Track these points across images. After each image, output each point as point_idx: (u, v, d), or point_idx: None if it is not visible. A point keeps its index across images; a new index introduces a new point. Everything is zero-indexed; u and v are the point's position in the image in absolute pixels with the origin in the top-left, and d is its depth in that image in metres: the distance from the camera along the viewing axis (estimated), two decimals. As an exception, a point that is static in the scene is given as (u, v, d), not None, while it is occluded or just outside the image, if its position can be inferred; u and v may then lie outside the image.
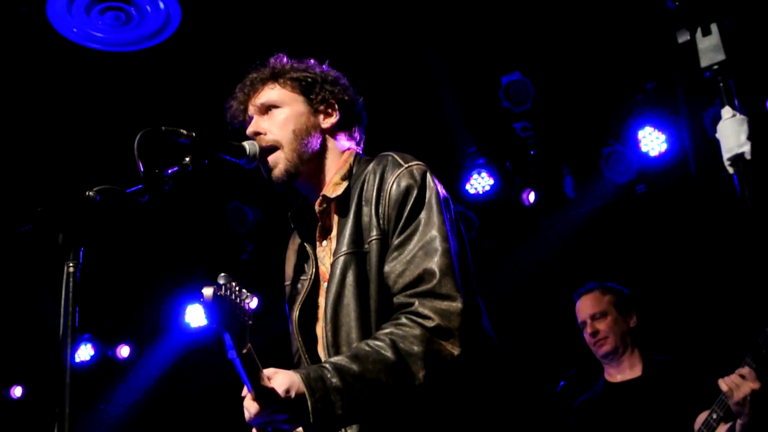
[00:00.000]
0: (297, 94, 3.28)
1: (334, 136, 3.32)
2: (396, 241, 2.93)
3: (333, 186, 3.19)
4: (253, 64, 3.41)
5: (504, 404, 2.99)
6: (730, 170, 1.85)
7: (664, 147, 6.99)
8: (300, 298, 3.20)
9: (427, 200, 2.96)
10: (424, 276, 2.82)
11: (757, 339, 4.56)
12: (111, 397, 9.23)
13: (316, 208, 3.21)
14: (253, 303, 2.60)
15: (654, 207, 7.29)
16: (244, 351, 2.52)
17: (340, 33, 6.49)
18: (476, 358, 2.88)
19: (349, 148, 3.33)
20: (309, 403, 2.60)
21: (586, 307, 5.57)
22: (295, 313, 3.20)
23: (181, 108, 6.80)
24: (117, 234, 7.56)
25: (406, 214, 2.94)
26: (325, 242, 3.22)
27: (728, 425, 4.66)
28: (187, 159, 3.09)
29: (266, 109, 3.28)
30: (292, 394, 2.60)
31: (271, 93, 3.29)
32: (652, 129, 7.02)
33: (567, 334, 7.47)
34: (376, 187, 3.05)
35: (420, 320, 2.75)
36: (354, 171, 3.22)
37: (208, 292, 2.42)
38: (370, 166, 3.15)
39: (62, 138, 7.40)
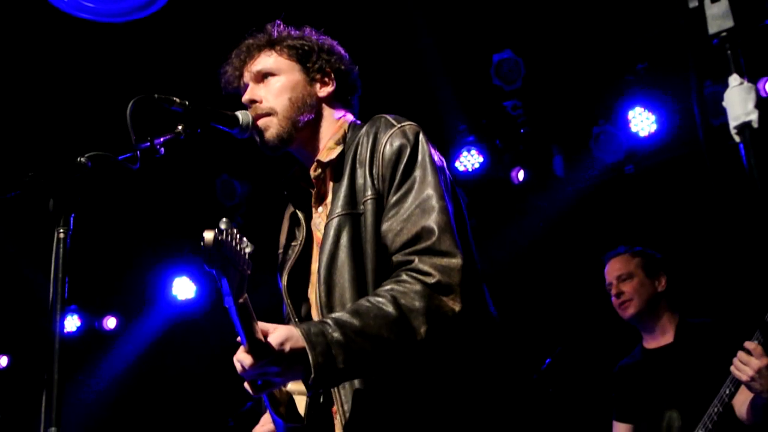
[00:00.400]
0: (293, 62, 3.26)
1: (330, 105, 3.30)
2: (392, 200, 2.92)
3: (327, 151, 3.18)
4: (249, 30, 3.38)
5: (501, 367, 2.98)
6: (737, 139, 1.84)
7: (653, 127, 7.00)
8: (290, 263, 3.19)
9: (420, 159, 2.95)
10: (423, 233, 2.81)
11: (764, 317, 4.44)
12: (97, 369, 9.23)
13: (311, 173, 3.20)
14: (249, 249, 2.55)
15: (643, 187, 7.31)
16: (241, 300, 2.49)
17: (334, 7, 6.45)
18: (477, 318, 2.88)
19: (344, 116, 3.32)
20: (310, 357, 2.58)
21: (613, 269, 5.47)
22: (285, 278, 3.19)
23: (172, 79, 6.78)
24: (105, 203, 7.54)
25: (400, 172, 2.93)
26: (321, 208, 3.20)
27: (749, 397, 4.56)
28: (180, 127, 3.06)
29: (262, 76, 3.25)
30: (287, 347, 2.58)
31: (268, 60, 3.26)
32: (642, 109, 7.03)
33: (554, 312, 7.51)
34: (369, 149, 3.04)
35: (421, 276, 2.74)
36: (348, 136, 3.20)
37: (208, 236, 2.38)
38: (364, 129, 3.14)
39: (54, 106, 7.37)
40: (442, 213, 2.84)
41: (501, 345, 3.01)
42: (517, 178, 7.72)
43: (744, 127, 1.84)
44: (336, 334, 2.63)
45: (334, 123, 3.27)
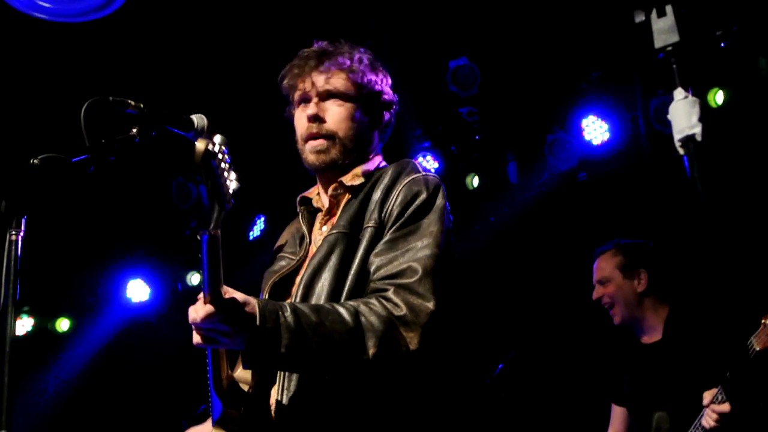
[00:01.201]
0: (359, 93, 3.25)
1: (377, 137, 3.35)
2: (390, 236, 2.96)
3: (352, 176, 3.21)
4: (329, 40, 3.39)
5: (447, 400, 3.02)
6: (681, 151, 1.89)
7: (606, 136, 7.07)
8: (281, 271, 3.20)
9: (433, 209, 2.98)
10: (407, 271, 2.84)
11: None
12: (49, 371, 9.14)
13: (330, 191, 3.24)
14: (234, 185, 2.50)
15: (594, 194, 7.39)
16: (213, 232, 2.46)
17: (287, 10, 6.46)
18: (434, 366, 2.91)
19: (380, 151, 3.37)
20: (257, 330, 2.59)
21: (596, 269, 5.43)
22: (270, 282, 3.18)
23: (128, 81, 6.74)
24: (60, 204, 7.48)
25: (408, 214, 2.97)
26: (325, 227, 3.23)
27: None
28: (134, 130, 3.06)
29: (328, 94, 3.24)
30: (244, 310, 2.59)
31: (343, 82, 3.24)
32: (596, 118, 7.09)
33: (506, 318, 7.56)
34: (388, 184, 3.08)
35: (389, 305, 2.77)
36: (374, 172, 3.24)
37: (201, 145, 2.36)
38: (392, 166, 3.19)
39: (7, 107, 7.29)
40: (431, 259, 2.87)
41: (448, 376, 3.05)
42: (472, 184, 7.77)
43: (688, 140, 1.88)
44: (290, 319, 2.64)
45: (369, 155, 3.30)
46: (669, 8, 1.90)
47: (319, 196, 3.35)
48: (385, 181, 3.10)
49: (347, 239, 3.01)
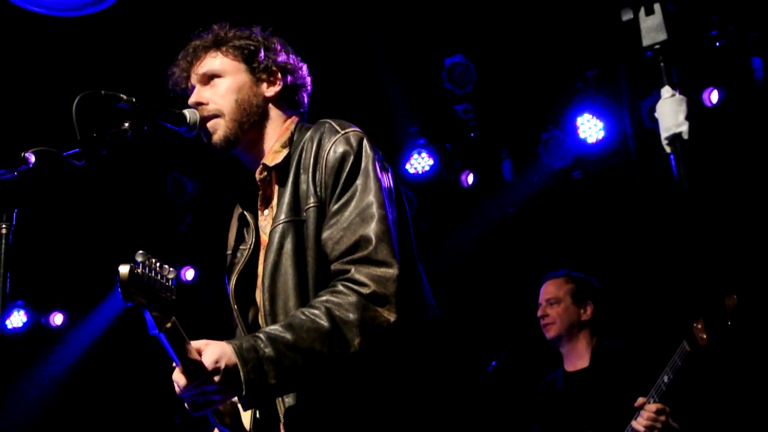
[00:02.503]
0: (240, 62, 3.23)
1: (277, 104, 3.28)
2: (333, 208, 2.92)
3: (273, 154, 3.17)
4: (195, 31, 3.36)
5: (441, 373, 2.99)
6: (668, 149, 1.89)
7: (601, 134, 7.08)
8: (238, 267, 3.18)
9: (363, 167, 2.95)
10: (361, 242, 2.81)
11: (656, 379, 4.93)
12: (43, 365, 9.13)
13: (257, 176, 3.18)
14: (172, 275, 2.48)
15: (589, 192, 7.39)
16: (168, 325, 2.48)
17: (286, 8, 6.45)
18: (414, 326, 2.89)
19: (292, 116, 3.30)
20: (241, 374, 2.58)
21: (545, 291, 5.74)
22: (232, 282, 3.18)
23: (123, 75, 6.73)
24: (55, 200, 7.48)
25: (342, 180, 2.93)
26: (266, 211, 3.19)
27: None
28: (126, 124, 3.06)
29: (208, 78, 3.23)
30: (222, 364, 2.57)
31: (213, 62, 3.23)
32: (591, 116, 7.10)
33: (501, 315, 7.56)
34: (313, 155, 3.03)
35: (356, 287, 2.74)
36: (294, 138, 3.19)
37: (124, 270, 2.38)
38: (308, 133, 3.13)
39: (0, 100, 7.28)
40: (380, 222, 2.84)
41: (440, 349, 3.02)
42: (467, 182, 7.77)
43: (675, 138, 1.88)
44: (268, 350, 2.63)
45: (280, 124, 3.25)
46: (657, 6, 1.90)
47: (249, 178, 3.29)
48: (309, 152, 3.05)
49: (294, 226, 2.98)
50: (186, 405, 2.67)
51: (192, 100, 3.22)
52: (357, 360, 2.73)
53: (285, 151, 3.15)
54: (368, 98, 7.45)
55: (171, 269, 2.54)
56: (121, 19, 6.50)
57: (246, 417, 3.00)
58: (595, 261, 7.24)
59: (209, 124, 3.18)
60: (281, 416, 2.93)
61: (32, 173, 2.79)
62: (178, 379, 2.57)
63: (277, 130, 3.24)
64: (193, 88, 3.27)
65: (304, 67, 3.40)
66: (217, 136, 3.17)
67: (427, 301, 3.06)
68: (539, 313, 5.68)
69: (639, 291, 6.94)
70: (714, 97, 6.48)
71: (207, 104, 3.19)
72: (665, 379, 4.87)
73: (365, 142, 3.02)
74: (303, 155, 3.08)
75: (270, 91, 3.25)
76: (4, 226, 2.72)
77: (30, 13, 6.04)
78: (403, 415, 2.84)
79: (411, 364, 2.90)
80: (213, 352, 2.59)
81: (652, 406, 4.88)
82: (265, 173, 3.17)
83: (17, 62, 6.98)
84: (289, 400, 2.92)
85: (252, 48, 3.25)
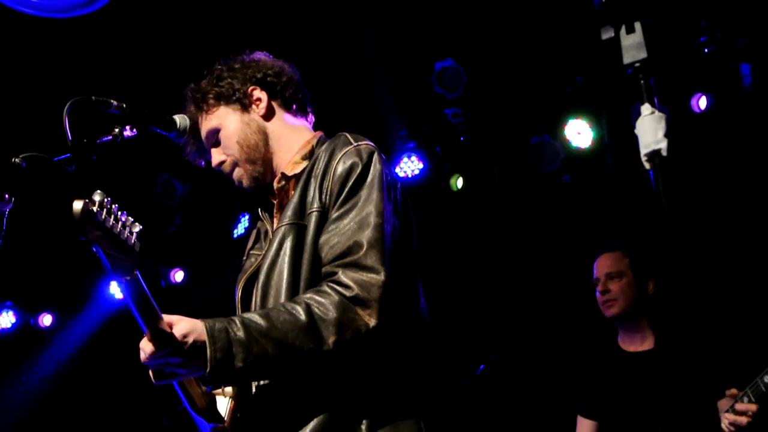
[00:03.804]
0: (222, 107, 3.30)
1: (272, 116, 3.33)
2: (334, 215, 2.95)
3: (293, 164, 3.23)
4: (176, 62, 3.42)
5: (426, 382, 3.00)
6: (647, 166, 1.93)
7: (590, 139, 7.11)
8: (248, 273, 3.22)
9: (369, 179, 2.98)
10: (353, 247, 2.84)
11: (756, 379, 4.42)
12: (32, 366, 9.13)
13: (275, 185, 3.26)
14: (136, 228, 2.47)
15: (578, 197, 7.43)
16: (128, 278, 2.48)
17: (274, 12, 6.47)
18: (401, 336, 2.91)
19: (300, 123, 3.37)
20: (208, 352, 2.61)
21: (603, 265, 5.32)
22: (240, 285, 3.22)
23: (113, 78, 6.73)
24: (43, 201, 7.47)
25: (347, 190, 2.97)
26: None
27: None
28: (117, 130, 3.10)
29: (212, 139, 3.33)
30: (190, 339, 2.61)
31: (207, 123, 3.33)
32: (580, 121, 7.13)
33: (488, 319, 7.60)
34: (324, 164, 3.07)
35: (340, 288, 2.77)
36: (315, 152, 3.24)
37: (77, 206, 2.35)
38: (325, 145, 3.18)
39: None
40: (375, 230, 2.87)
41: (427, 363, 3.03)
42: (456, 186, 7.79)
43: (654, 155, 1.92)
44: (240, 333, 2.66)
45: (292, 134, 3.32)
46: (638, 25, 1.94)
47: (271, 190, 3.35)
48: (322, 161, 3.10)
49: (295, 229, 3.02)
50: (150, 373, 2.70)
51: (213, 164, 3.35)
52: (330, 358, 2.75)
53: (305, 163, 3.21)
54: (358, 101, 7.47)
55: (136, 223, 2.54)
56: (112, 22, 6.50)
57: (222, 406, 3.02)
58: (583, 265, 7.28)
59: (234, 177, 3.30)
60: (251, 405, 2.97)
61: (23, 179, 2.81)
62: (144, 346, 2.61)
63: (290, 139, 3.31)
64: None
65: (280, 64, 3.42)
66: (246, 183, 3.29)
67: (421, 315, 3.08)
68: (600, 289, 5.23)
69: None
70: (702, 103, 6.52)
71: (224, 161, 3.30)
72: (766, 380, 4.37)
73: (376, 156, 3.05)
74: (316, 164, 3.12)
75: (260, 110, 3.31)
76: (-6, 230, 2.74)
77: (19, 14, 6.04)
78: (377, 419, 2.85)
79: (392, 371, 2.91)
80: (183, 326, 2.63)
81: (749, 406, 4.38)
82: (283, 182, 3.24)
83: (5, 65, 6.98)
84: (252, 390, 2.96)
85: (222, 87, 3.31)
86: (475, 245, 7.80)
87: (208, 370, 2.62)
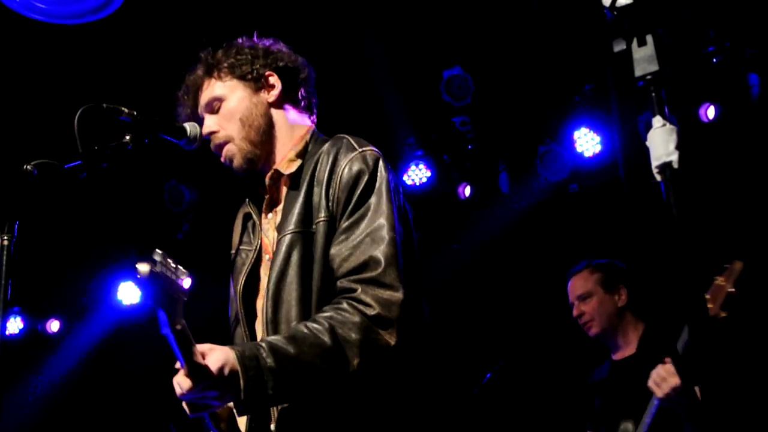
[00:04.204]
0: (233, 80, 3.27)
1: (281, 108, 3.31)
2: (344, 225, 2.94)
3: (287, 162, 3.20)
4: (187, 66, 3.38)
5: (434, 394, 3.02)
6: (658, 178, 1.93)
7: (598, 148, 7.10)
8: (245, 269, 3.21)
9: (377, 186, 2.97)
10: (370, 263, 2.84)
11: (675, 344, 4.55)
12: (39, 372, 9.13)
13: (267, 180, 3.22)
14: (188, 282, 2.53)
15: (586, 206, 7.42)
16: (178, 327, 2.50)
17: (283, 19, 6.48)
18: (412, 349, 2.90)
19: (301, 121, 3.34)
20: (241, 381, 2.61)
21: (573, 288, 5.42)
22: (240, 285, 3.20)
23: (123, 84, 6.75)
24: (53, 208, 7.48)
25: (355, 198, 2.95)
26: (270, 214, 3.23)
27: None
28: (127, 137, 3.11)
29: (212, 105, 3.27)
30: (226, 371, 2.60)
31: (211, 89, 3.28)
32: (588, 130, 7.12)
33: (496, 328, 7.59)
34: (328, 169, 3.05)
35: (361, 307, 2.77)
36: (309, 149, 3.22)
37: (143, 268, 2.38)
38: (326, 146, 3.15)
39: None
40: (390, 245, 2.87)
41: (433, 371, 3.04)
42: (464, 194, 7.79)
43: (665, 167, 1.92)
44: (269, 360, 2.66)
45: (290, 129, 3.29)
46: (649, 38, 1.95)
47: (259, 181, 3.31)
48: (324, 165, 3.07)
49: (302, 238, 3.01)
50: (184, 406, 2.68)
51: (204, 131, 3.27)
52: (354, 378, 2.76)
53: (299, 162, 3.19)
54: (367, 109, 7.48)
55: (184, 271, 2.55)
56: (123, 28, 6.52)
57: (242, 422, 3.03)
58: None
59: (224, 152, 3.24)
60: (273, 423, 2.96)
61: (34, 186, 2.82)
62: (182, 381, 2.58)
63: (288, 136, 3.28)
64: (203, 118, 3.31)
65: (300, 60, 3.42)
66: (237, 162, 3.22)
67: (426, 324, 3.08)
68: (575, 313, 5.35)
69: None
70: (711, 112, 6.52)
71: (217, 132, 3.24)
72: (680, 345, 4.50)
73: (381, 162, 3.04)
74: (318, 167, 3.10)
75: (270, 96, 3.29)
76: (5, 237, 2.75)
77: (28, 20, 6.06)
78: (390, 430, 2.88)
79: (404, 383, 2.93)
80: (218, 358, 2.61)
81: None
82: (276, 178, 3.22)
83: (17, 71, 7.00)
84: (282, 408, 2.94)
85: (240, 61, 3.28)
86: (482, 253, 7.79)
87: (242, 398, 2.62)
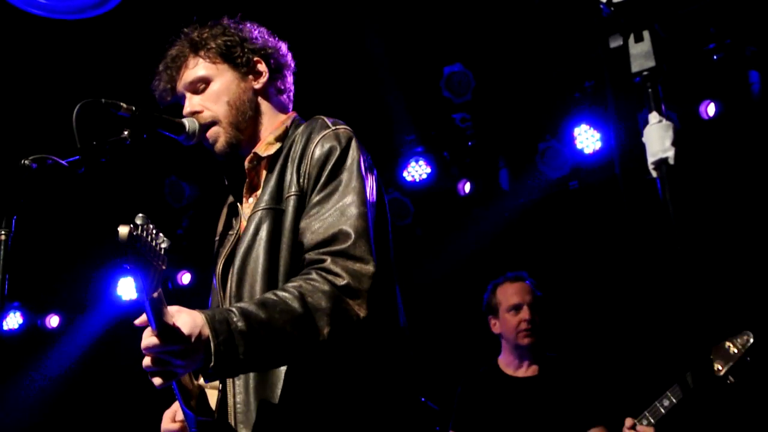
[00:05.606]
0: (221, 62, 3.27)
1: (267, 94, 3.32)
2: (314, 200, 2.94)
3: (266, 145, 3.21)
4: (170, 39, 3.37)
5: (399, 379, 3.00)
6: (654, 174, 1.93)
7: (598, 145, 7.11)
8: (224, 252, 3.21)
9: (348, 163, 2.97)
10: (339, 236, 2.82)
11: (656, 402, 4.66)
12: (38, 367, 9.14)
13: (246, 164, 3.22)
14: (165, 244, 2.48)
15: (585, 203, 7.42)
16: (155, 295, 2.46)
17: (284, 15, 6.48)
18: (382, 328, 2.91)
19: (283, 109, 3.35)
20: (212, 345, 2.55)
21: (524, 292, 5.52)
22: (219, 267, 3.20)
23: (123, 79, 6.74)
24: (51, 203, 7.48)
25: (326, 173, 2.96)
26: (251, 199, 3.23)
27: None
28: (126, 133, 3.10)
29: (196, 85, 3.26)
30: (195, 334, 2.53)
31: (197, 68, 3.27)
32: (588, 127, 7.12)
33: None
34: (301, 147, 3.07)
35: (330, 277, 2.75)
36: (289, 134, 3.23)
37: (123, 230, 2.33)
38: (301, 127, 3.18)
39: (-1, 105, 7.30)
40: (360, 219, 2.87)
41: (404, 358, 3.03)
42: (464, 190, 7.79)
43: (661, 163, 1.92)
44: (240, 324, 2.61)
45: (274, 117, 3.30)
46: (646, 33, 1.94)
47: (239, 165, 3.30)
48: (298, 144, 3.09)
49: (272, 214, 3.01)
50: (149, 377, 2.60)
51: (186, 110, 3.25)
52: (322, 348, 2.72)
53: (278, 145, 3.20)
54: (367, 105, 7.47)
55: (165, 239, 2.51)
56: (123, 23, 6.51)
57: (212, 400, 3.00)
58: (590, 271, 7.28)
59: (209, 134, 3.23)
60: (232, 398, 2.95)
61: (32, 181, 2.82)
62: (150, 339, 2.51)
63: (270, 121, 3.29)
64: (183, 96, 3.30)
65: (283, 46, 3.42)
66: (220, 144, 3.22)
67: (398, 308, 3.08)
68: (526, 318, 5.40)
69: (635, 302, 6.95)
70: (711, 110, 6.52)
71: (202, 112, 3.23)
72: (665, 403, 4.62)
73: (354, 141, 3.04)
74: (293, 147, 3.12)
75: (258, 83, 3.30)
76: (3, 232, 2.75)
77: (28, 15, 6.06)
78: (354, 411, 2.86)
79: (372, 362, 2.92)
80: (186, 321, 2.54)
81: (648, 429, 4.62)
82: (255, 162, 3.22)
83: (15, 67, 7.00)
84: (239, 382, 2.94)
85: (230, 44, 3.27)
86: (481, 249, 7.78)
87: (212, 363, 2.56)
